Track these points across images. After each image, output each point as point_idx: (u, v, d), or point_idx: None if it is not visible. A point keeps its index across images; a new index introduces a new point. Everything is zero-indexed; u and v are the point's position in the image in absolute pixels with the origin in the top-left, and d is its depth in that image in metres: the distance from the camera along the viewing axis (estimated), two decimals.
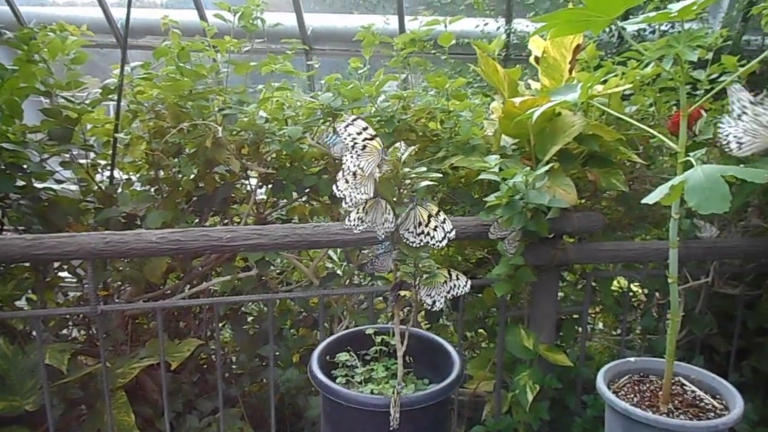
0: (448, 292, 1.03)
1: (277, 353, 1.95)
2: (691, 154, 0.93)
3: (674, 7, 0.96)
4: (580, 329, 2.14)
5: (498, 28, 4.91)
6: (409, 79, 2.14)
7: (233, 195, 2.09)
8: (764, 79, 3.34)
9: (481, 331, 2.39)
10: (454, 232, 1.03)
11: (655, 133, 1.11)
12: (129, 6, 1.94)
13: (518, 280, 1.70)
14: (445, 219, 1.02)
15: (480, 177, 1.54)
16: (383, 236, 1.02)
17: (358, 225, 1.01)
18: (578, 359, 1.95)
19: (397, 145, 0.99)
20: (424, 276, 1.03)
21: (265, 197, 2.13)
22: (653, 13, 0.98)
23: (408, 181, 1.04)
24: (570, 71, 1.82)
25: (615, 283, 2.45)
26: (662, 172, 2.10)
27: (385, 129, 1.77)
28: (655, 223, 2.34)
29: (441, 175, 1.04)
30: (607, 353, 2.54)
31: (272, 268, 2.14)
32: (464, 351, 2.37)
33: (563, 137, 1.65)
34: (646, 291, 2.40)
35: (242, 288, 2.01)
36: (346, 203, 0.98)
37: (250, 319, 2.25)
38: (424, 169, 1.01)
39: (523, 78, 2.30)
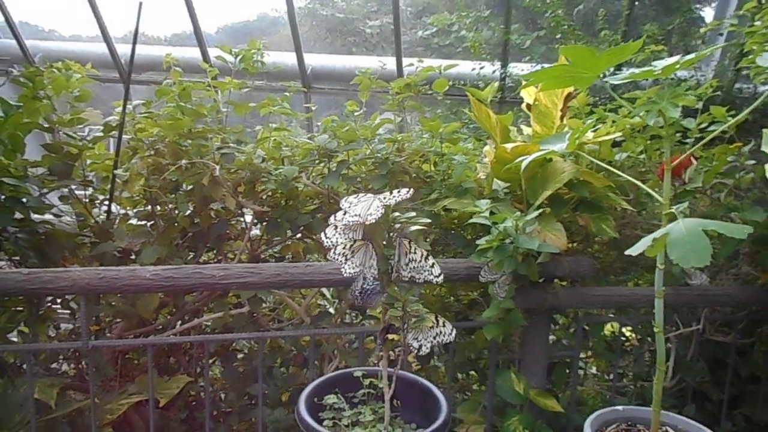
0: (434, 338, 1.04)
1: (266, 392, 1.93)
2: (674, 206, 0.95)
3: (659, 65, 1.00)
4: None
5: (494, 71, 5.02)
6: (406, 120, 2.19)
7: (228, 232, 2.11)
8: (757, 127, 3.40)
9: (473, 373, 2.38)
10: (426, 259, 1.05)
11: (639, 183, 1.14)
12: (133, 47, 1.99)
13: (509, 323, 1.70)
14: (415, 249, 1.04)
15: (471, 221, 1.57)
16: (371, 280, 1.04)
17: (341, 261, 1.02)
18: (569, 405, 1.94)
19: (386, 194, 1.01)
20: (413, 320, 1.05)
21: (259, 234, 2.15)
22: (638, 70, 1.02)
23: (398, 226, 1.06)
24: (561, 118, 1.86)
25: (609, 327, 2.46)
26: (653, 217, 2.13)
27: (380, 171, 1.80)
28: (648, 268, 2.36)
29: (429, 220, 1.06)
30: (600, 398, 2.52)
31: (264, 305, 2.14)
32: (456, 393, 2.35)
33: (554, 183, 1.68)
34: (639, 336, 2.40)
35: (234, 325, 2.01)
36: (335, 254, 1.01)
37: (240, 356, 2.24)
38: (413, 213, 1.03)
39: (517, 121, 2.35)
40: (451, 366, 1.90)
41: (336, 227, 1.03)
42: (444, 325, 1.05)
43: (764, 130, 2.33)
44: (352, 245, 1.02)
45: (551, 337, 2.41)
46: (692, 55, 0.95)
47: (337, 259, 1.02)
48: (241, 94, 2.10)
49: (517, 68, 5.16)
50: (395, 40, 5.10)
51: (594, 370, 2.75)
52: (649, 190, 1.07)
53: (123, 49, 5.05)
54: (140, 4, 1.87)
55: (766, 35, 1.90)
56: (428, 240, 1.97)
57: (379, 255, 1.05)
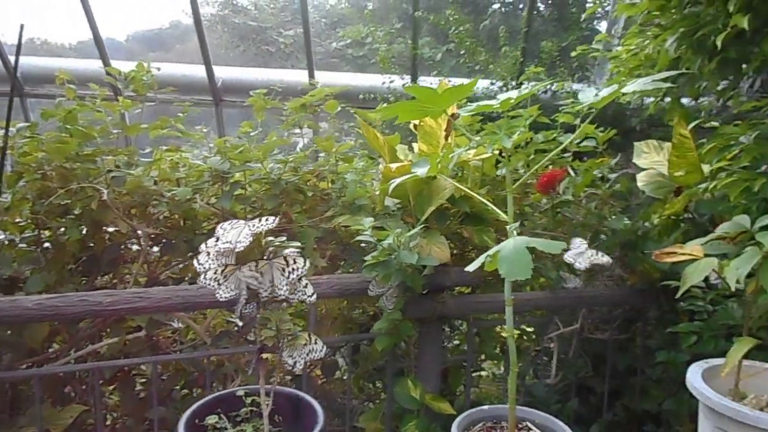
0: (308, 355, 1.10)
1: (167, 416, 1.92)
2: (509, 226, 1.07)
3: (501, 98, 1.11)
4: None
5: (404, 84, 5.16)
6: (320, 135, 2.24)
7: (124, 254, 2.08)
8: (644, 137, 3.70)
9: (378, 383, 2.46)
10: (306, 267, 1.10)
11: (486, 202, 1.24)
12: (15, 66, 1.94)
13: (399, 333, 1.79)
14: (295, 259, 1.09)
15: (357, 238, 1.64)
16: (244, 301, 1.08)
17: (214, 285, 1.06)
18: (463, 407, 2.04)
19: (255, 221, 1.06)
20: (287, 339, 1.10)
21: (158, 256, 2.13)
22: (484, 102, 1.13)
23: (271, 249, 1.11)
24: (446, 137, 1.98)
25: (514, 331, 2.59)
26: (536, 227, 2.30)
27: (273, 190, 1.85)
28: (538, 275, 2.52)
29: (299, 243, 1.12)
30: (500, 399, 2.66)
31: (166, 327, 2.12)
32: (365, 403, 2.42)
33: (437, 199, 1.79)
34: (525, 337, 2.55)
35: (131, 349, 1.98)
36: (205, 279, 1.04)
37: (143, 380, 2.20)
38: (284, 238, 1.09)
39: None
40: (349, 377, 1.96)
41: (209, 253, 1.07)
42: (316, 342, 1.11)
43: (635, 144, 2.57)
44: (224, 270, 1.07)
45: (455, 342, 2.54)
46: (527, 91, 1.07)
47: (209, 284, 1.06)
48: (131, 113, 2.09)
49: (426, 82, 5.34)
50: (306, 55, 5.16)
51: (502, 370, 2.90)
52: (495, 209, 1.18)
53: (24, 61, 4.80)
54: (21, 26, 1.82)
55: (624, 60, 2.11)
56: (326, 256, 2.03)
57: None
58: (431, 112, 1.05)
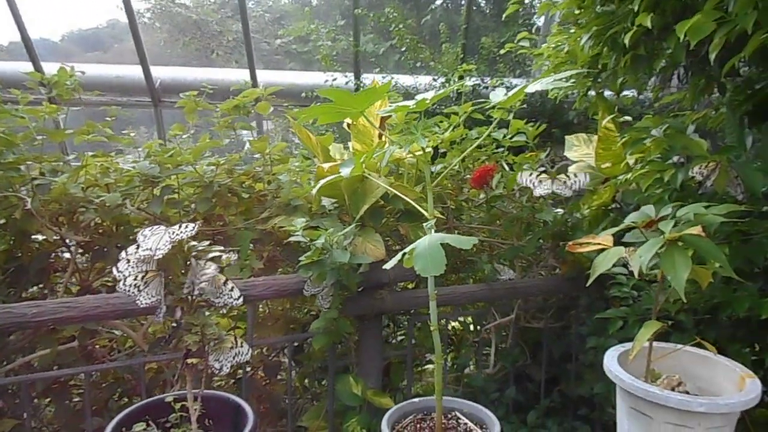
0: (234, 358, 1.11)
1: (103, 426, 1.88)
2: (425, 223, 1.10)
3: (418, 98, 1.14)
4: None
5: (347, 82, 5.17)
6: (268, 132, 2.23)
7: (54, 263, 2.02)
8: (583, 129, 3.83)
9: (324, 382, 2.47)
10: (235, 288, 1.11)
11: (408, 200, 1.28)
12: None
13: (339, 331, 1.81)
14: (206, 263, 1.10)
15: (290, 239, 1.65)
16: (165, 308, 1.08)
17: (134, 292, 1.06)
18: (405, 399, 2.08)
19: (175, 227, 1.06)
20: (212, 343, 1.10)
21: (90, 264, 2.08)
22: (405, 103, 1.16)
23: (195, 253, 1.11)
24: (380, 136, 2.00)
25: (455, 324, 2.65)
26: (471, 221, 2.35)
27: (205, 193, 1.83)
28: (476, 269, 2.58)
29: (222, 248, 1.12)
30: (448, 391, 2.71)
31: (101, 336, 2.07)
32: (313, 402, 2.43)
33: (371, 197, 1.81)
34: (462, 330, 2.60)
35: (65, 360, 1.93)
36: (124, 285, 1.03)
37: (80, 392, 2.15)
38: (207, 243, 1.09)
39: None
40: (290, 377, 1.97)
41: (128, 261, 1.06)
42: (242, 346, 1.12)
43: (566, 137, 2.65)
44: (144, 276, 1.06)
45: (400, 338, 2.57)
46: (442, 92, 1.10)
47: (129, 291, 1.05)
48: (57, 118, 2.02)
49: (370, 78, 5.36)
50: (247, 54, 5.09)
51: (449, 363, 2.95)
52: (417, 206, 1.21)
53: None
54: None
55: (548, 57, 2.18)
56: (263, 258, 2.02)
57: (175, 284, 1.09)
58: (349, 113, 1.07)
